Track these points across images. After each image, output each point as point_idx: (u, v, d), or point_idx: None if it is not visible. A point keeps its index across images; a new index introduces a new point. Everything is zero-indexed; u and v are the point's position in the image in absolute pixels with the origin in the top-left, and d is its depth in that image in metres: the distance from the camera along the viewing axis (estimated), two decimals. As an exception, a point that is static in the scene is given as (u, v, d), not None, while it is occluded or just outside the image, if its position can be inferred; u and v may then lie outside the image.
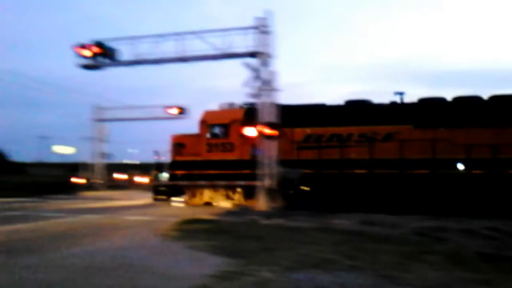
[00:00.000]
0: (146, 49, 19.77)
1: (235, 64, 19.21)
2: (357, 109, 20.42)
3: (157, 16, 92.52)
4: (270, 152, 18.37)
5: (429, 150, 17.95)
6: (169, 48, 19.60)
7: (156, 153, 23.79)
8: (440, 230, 11.56)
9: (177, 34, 19.44)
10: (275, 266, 7.30)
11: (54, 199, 25.14)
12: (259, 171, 18.10)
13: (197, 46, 19.25)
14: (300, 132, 20.50)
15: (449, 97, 19.66)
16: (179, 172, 22.34)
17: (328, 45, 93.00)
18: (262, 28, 18.26)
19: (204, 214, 16.06)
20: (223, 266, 7.38)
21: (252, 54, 18.35)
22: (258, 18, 18.25)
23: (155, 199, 23.32)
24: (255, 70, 17.85)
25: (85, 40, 20.33)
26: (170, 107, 32.81)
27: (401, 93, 20.37)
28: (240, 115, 21.72)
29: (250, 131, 19.40)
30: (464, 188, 17.44)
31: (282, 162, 19.15)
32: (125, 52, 20.48)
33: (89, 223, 14.21)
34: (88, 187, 34.48)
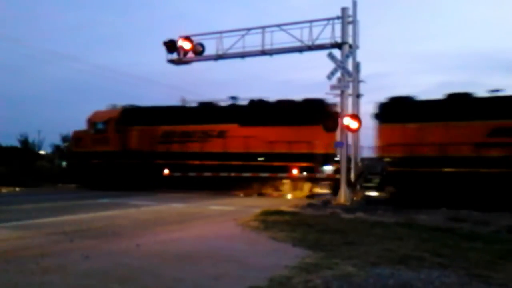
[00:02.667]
0: (231, 43, 20.09)
1: (316, 56, 19.01)
2: (203, 110, 24.79)
3: (240, 9, 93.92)
4: (352, 145, 18.03)
5: (245, 145, 22.06)
6: (253, 42, 19.78)
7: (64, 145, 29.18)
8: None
9: (261, 27, 19.54)
10: (358, 260, 7.18)
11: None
12: (342, 165, 17.79)
13: (281, 39, 19.24)
14: (159, 129, 25.13)
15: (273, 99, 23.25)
16: (74, 161, 27.90)
17: (416, 34, 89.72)
18: (346, 18, 17.89)
19: (284, 206, 16.14)
20: (305, 258, 7.37)
21: (337, 45, 18.01)
22: (343, 8, 17.89)
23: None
24: (339, 61, 17.50)
25: (173, 36, 21.06)
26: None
27: (234, 97, 24.13)
28: (116, 114, 26.70)
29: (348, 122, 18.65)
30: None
31: (144, 153, 24.82)
32: (211, 46, 20.96)
33: (174, 211, 14.80)
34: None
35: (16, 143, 39.79)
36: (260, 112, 22.97)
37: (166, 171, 23.75)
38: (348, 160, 17.87)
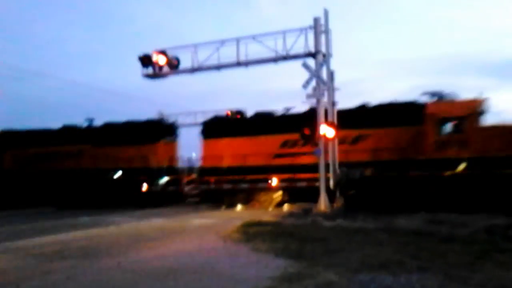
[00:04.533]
0: (206, 56, 20.06)
1: (292, 65, 19.14)
2: (65, 132, 27.47)
3: (215, 21, 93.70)
4: (330, 153, 18.18)
5: (96, 163, 25.51)
6: (228, 54, 19.77)
7: None
8: (511, 228, 11.05)
9: (236, 39, 19.59)
10: (339, 268, 7.26)
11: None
12: (321, 173, 17.91)
13: (255, 50, 19.29)
14: (30, 151, 27.76)
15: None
16: None
17: (387, 39, 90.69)
18: (319, 27, 18.10)
19: (265, 216, 16.16)
20: (287, 268, 7.43)
21: (311, 55, 18.17)
22: (315, 18, 18.10)
23: None
24: (313, 70, 17.67)
25: (147, 50, 20.94)
26: (232, 111, 32.76)
27: (91, 120, 27.57)
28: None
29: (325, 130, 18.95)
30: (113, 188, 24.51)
31: (15, 173, 27.16)
32: (186, 59, 20.88)
33: (156, 227, 14.69)
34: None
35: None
36: (109, 134, 26.23)
37: (144, 186, 24.65)
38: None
